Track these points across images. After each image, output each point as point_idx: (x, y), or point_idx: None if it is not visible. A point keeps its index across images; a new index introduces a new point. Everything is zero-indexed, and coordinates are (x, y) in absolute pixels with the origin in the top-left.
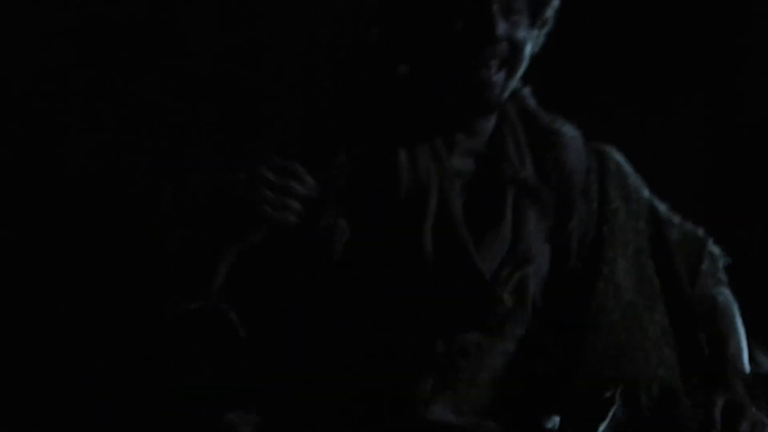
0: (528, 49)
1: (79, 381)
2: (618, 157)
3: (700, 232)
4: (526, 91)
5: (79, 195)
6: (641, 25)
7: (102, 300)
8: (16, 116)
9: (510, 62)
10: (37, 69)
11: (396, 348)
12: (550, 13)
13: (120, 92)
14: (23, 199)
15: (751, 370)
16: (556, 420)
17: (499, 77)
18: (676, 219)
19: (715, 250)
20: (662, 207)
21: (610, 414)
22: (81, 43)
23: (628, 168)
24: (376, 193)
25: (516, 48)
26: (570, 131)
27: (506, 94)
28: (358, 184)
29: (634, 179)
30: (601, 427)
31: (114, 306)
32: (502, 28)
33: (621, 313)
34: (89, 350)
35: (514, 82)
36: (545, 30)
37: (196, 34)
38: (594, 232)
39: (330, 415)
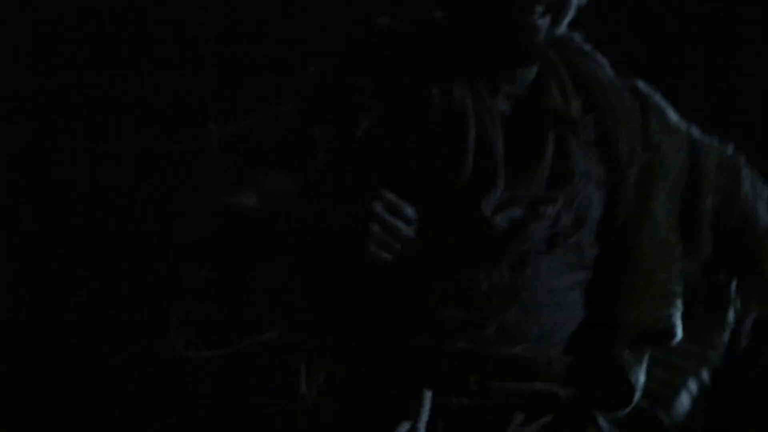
0: None
1: (79, 381)
2: (651, 91)
3: (737, 155)
4: (576, 36)
5: (78, 195)
6: (639, 27)
7: (95, 303)
8: (13, 119)
9: (556, 8)
10: (33, 74)
11: (432, 291)
12: None
13: (116, 98)
14: (20, 202)
15: None
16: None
17: (543, 22)
18: (714, 142)
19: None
20: (697, 132)
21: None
22: (76, 49)
23: (663, 100)
24: (409, 127)
25: None
26: (612, 73)
27: (550, 40)
28: (390, 120)
29: (670, 110)
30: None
31: (109, 309)
32: None
33: (658, 250)
34: (79, 352)
35: (560, 28)
36: None
37: (197, 37)
38: (638, 169)
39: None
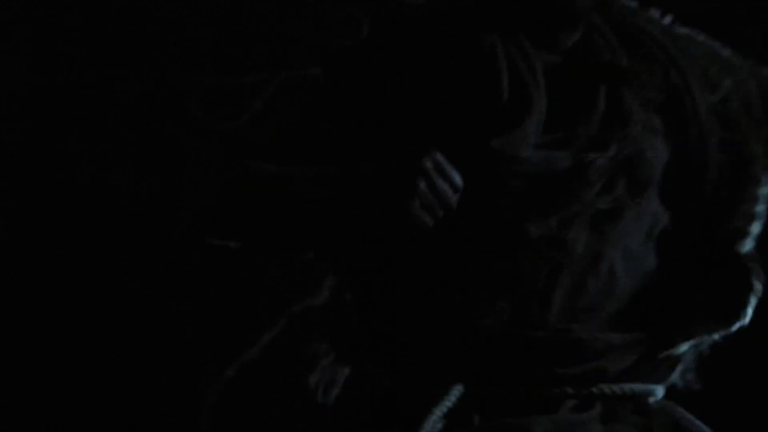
0: None
1: (79, 381)
2: (692, 31)
3: None
4: None
5: (78, 195)
6: None
7: (95, 303)
8: (13, 119)
9: None
10: (33, 74)
11: (469, 251)
12: None
13: (116, 98)
14: (20, 202)
15: None
16: None
17: None
18: (747, 65)
19: None
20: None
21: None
22: (79, 50)
23: (707, 38)
24: (438, 88)
25: None
26: (667, 25)
27: (594, 3)
28: (418, 82)
29: (716, 43)
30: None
31: (114, 312)
32: None
33: (763, 203)
34: (79, 352)
35: None
36: None
37: (198, 40)
38: (719, 123)
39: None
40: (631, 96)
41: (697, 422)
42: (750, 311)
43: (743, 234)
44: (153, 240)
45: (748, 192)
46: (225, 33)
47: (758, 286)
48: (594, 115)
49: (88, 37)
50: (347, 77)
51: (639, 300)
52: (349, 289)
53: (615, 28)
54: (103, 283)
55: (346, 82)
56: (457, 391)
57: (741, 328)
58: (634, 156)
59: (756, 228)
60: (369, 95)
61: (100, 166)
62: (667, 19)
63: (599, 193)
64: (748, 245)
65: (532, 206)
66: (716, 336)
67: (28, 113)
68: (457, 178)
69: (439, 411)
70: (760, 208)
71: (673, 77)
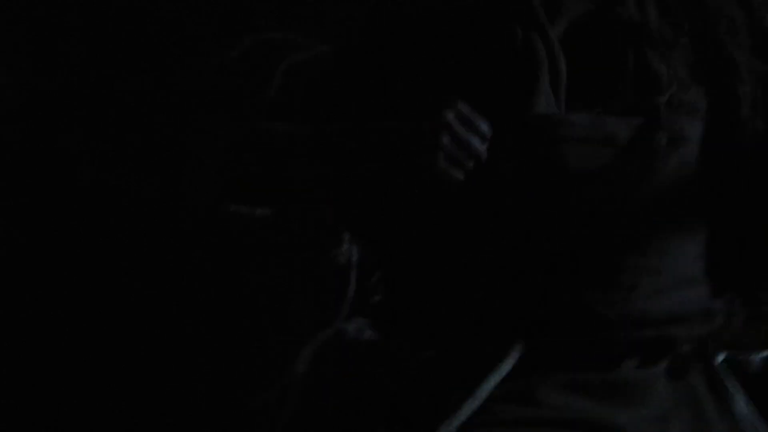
0: None
1: (79, 381)
2: None
3: None
4: None
5: (78, 195)
6: None
7: (95, 303)
8: (14, 122)
9: None
10: (36, 76)
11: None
12: None
13: (117, 99)
14: (20, 202)
15: None
16: None
17: None
18: None
19: None
20: None
21: None
22: (83, 47)
23: None
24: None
25: None
26: None
27: None
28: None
29: None
30: None
31: (119, 314)
32: None
33: None
34: (79, 352)
35: None
36: None
37: (198, 37)
38: (755, 77)
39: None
40: (661, 60)
41: None
42: None
43: None
44: (153, 240)
45: None
46: (225, 33)
47: None
48: (627, 78)
49: (88, 37)
50: (357, 51)
51: (701, 269)
52: (391, 265)
53: None
54: (103, 283)
55: (355, 56)
56: (513, 358)
57: None
58: (679, 118)
59: None
60: (383, 63)
61: (100, 166)
62: None
63: (647, 155)
64: None
65: (592, 174)
66: None
67: (28, 113)
68: (485, 126)
69: (497, 376)
70: None
71: (694, 37)
